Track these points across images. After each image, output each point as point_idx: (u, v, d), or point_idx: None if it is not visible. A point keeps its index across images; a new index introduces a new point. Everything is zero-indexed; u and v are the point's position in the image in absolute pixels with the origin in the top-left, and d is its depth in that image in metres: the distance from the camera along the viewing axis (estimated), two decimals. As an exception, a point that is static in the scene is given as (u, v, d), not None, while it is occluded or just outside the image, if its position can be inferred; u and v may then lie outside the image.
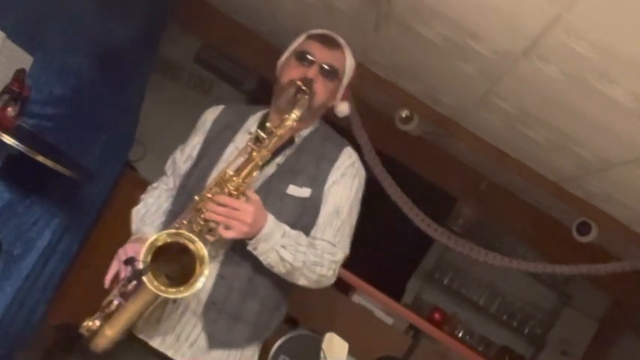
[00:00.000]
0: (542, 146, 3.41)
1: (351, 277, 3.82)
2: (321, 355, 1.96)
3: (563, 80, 2.51)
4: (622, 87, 2.29)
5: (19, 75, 2.86)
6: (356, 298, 4.11)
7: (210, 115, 2.28)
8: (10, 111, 2.81)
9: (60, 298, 3.83)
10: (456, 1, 2.46)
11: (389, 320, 4.12)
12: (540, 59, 2.46)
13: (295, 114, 1.93)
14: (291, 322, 3.71)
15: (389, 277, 5.04)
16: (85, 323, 1.87)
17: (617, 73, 2.24)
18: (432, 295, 6.12)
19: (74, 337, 1.94)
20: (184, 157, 2.20)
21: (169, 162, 2.27)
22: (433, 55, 3.11)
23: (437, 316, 5.17)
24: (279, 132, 1.91)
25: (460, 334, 5.75)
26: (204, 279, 1.77)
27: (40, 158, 2.68)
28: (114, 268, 1.97)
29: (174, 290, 1.76)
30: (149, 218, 2.13)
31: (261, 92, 5.41)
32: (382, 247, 5.18)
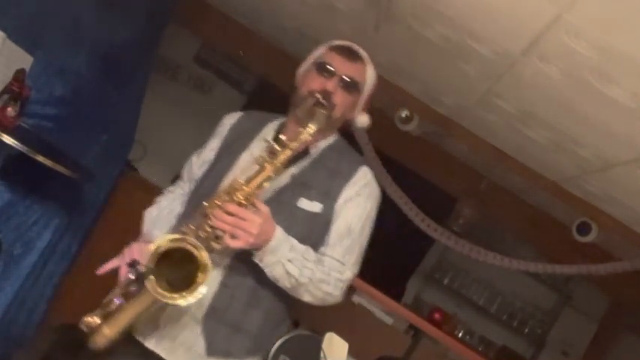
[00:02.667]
0: (542, 146, 3.41)
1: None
2: (321, 355, 1.95)
3: (563, 80, 2.51)
4: (622, 87, 2.29)
5: (19, 75, 2.86)
6: (356, 298, 4.11)
7: (228, 121, 2.25)
8: (10, 111, 2.81)
9: (60, 298, 3.83)
10: (456, 1, 2.46)
11: (389, 320, 4.12)
12: (540, 59, 2.46)
13: (311, 128, 1.90)
14: (292, 322, 3.72)
15: (389, 277, 5.04)
16: (84, 318, 1.87)
17: (617, 73, 2.24)
18: (432, 295, 6.12)
19: (74, 337, 1.93)
20: (200, 161, 2.19)
21: (186, 166, 2.25)
22: (433, 55, 3.11)
23: (437, 316, 5.16)
24: (293, 145, 1.88)
25: (460, 334, 5.75)
26: (205, 289, 1.75)
27: (40, 158, 2.68)
28: (114, 262, 1.96)
29: (174, 296, 1.74)
30: (160, 221, 2.12)
31: (261, 92, 5.42)
32: (382, 247, 5.18)
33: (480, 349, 5.73)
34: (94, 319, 1.86)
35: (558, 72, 2.47)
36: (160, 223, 2.11)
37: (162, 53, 4.71)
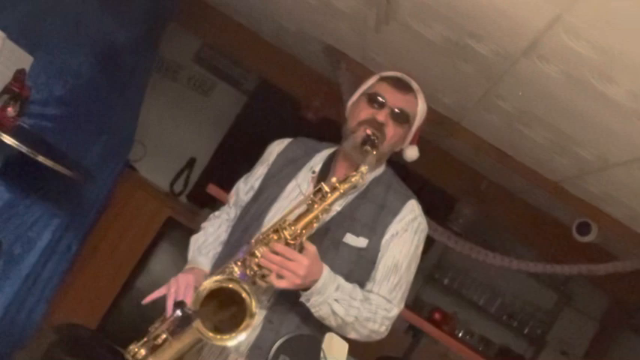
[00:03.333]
0: (542, 146, 3.41)
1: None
2: (321, 355, 1.95)
3: (563, 80, 2.50)
4: (622, 87, 2.29)
5: (19, 75, 2.87)
6: (356, 298, 4.10)
7: (276, 148, 2.20)
8: (10, 111, 2.81)
9: (60, 298, 3.83)
10: (456, 1, 2.46)
11: (389, 320, 4.11)
12: (540, 59, 2.46)
13: (362, 171, 1.89)
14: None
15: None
16: (130, 347, 1.86)
17: (617, 73, 2.23)
18: (432, 295, 6.12)
19: (74, 338, 1.94)
20: (247, 187, 2.17)
21: (232, 191, 2.23)
22: (433, 55, 3.11)
23: (437, 316, 5.16)
24: (343, 187, 1.87)
25: (460, 334, 5.75)
26: (248, 333, 1.75)
27: (40, 158, 2.68)
28: (161, 291, 1.95)
29: (219, 337, 1.75)
30: (205, 248, 2.11)
31: (261, 92, 5.42)
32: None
33: (480, 349, 5.73)
34: (140, 351, 1.85)
35: (558, 72, 2.47)
36: (206, 250, 2.11)
37: (162, 53, 4.71)
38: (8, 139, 2.59)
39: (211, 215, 2.25)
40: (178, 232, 3.91)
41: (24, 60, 2.98)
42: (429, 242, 5.51)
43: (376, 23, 3.16)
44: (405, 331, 4.32)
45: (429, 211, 4.17)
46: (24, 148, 2.63)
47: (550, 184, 3.95)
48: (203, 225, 2.22)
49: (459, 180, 4.99)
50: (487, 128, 3.82)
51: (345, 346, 2.02)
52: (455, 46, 2.84)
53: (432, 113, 4.04)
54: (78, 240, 3.74)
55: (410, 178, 4.72)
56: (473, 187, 4.88)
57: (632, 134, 2.61)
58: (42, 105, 3.15)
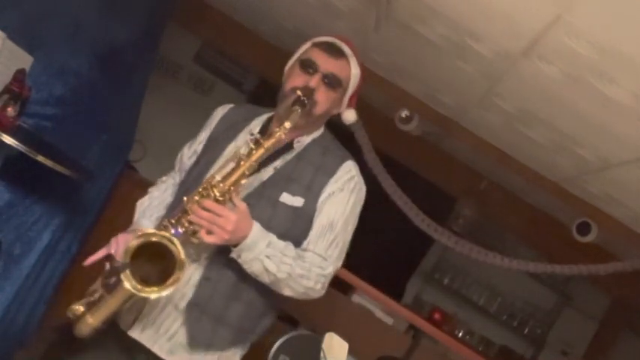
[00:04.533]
0: (542, 146, 3.41)
1: (351, 277, 3.82)
2: (321, 355, 1.95)
3: (563, 80, 2.50)
4: (622, 87, 2.29)
5: (19, 75, 2.86)
6: (356, 298, 4.11)
7: (219, 113, 2.29)
8: (10, 111, 2.81)
9: (60, 298, 3.83)
10: (456, 1, 2.46)
11: (389, 320, 4.12)
12: (540, 59, 2.46)
13: (285, 126, 1.92)
14: (291, 322, 3.72)
15: (389, 277, 5.04)
16: (71, 306, 1.92)
17: (617, 73, 2.24)
18: (432, 295, 6.12)
19: (74, 337, 1.96)
20: (190, 152, 2.22)
21: (178, 157, 2.28)
22: (433, 55, 3.11)
23: (437, 316, 5.16)
24: (267, 144, 1.91)
25: (460, 334, 5.75)
26: (178, 285, 1.79)
27: (40, 158, 2.67)
28: (101, 253, 2.00)
29: (150, 290, 1.79)
30: (149, 211, 2.16)
31: (261, 92, 5.42)
32: (382, 247, 5.19)
33: (480, 349, 5.73)
34: (78, 308, 1.91)
35: (558, 72, 2.47)
36: (149, 212, 2.15)
37: (163, 53, 4.71)
38: (8, 139, 2.58)
39: (158, 180, 2.30)
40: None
41: (24, 60, 2.98)
42: (429, 242, 5.56)
43: (376, 23, 3.16)
44: (405, 331, 4.32)
45: (429, 211, 4.21)
46: (24, 148, 2.63)
47: (550, 184, 3.96)
48: (150, 189, 2.27)
49: (459, 180, 4.99)
50: (487, 128, 3.83)
51: (345, 346, 2.02)
52: (455, 46, 2.84)
53: (432, 113, 4.07)
54: (78, 240, 3.74)
55: (410, 178, 4.74)
56: (473, 187, 4.89)
57: (633, 134, 2.61)
58: (42, 105, 3.15)
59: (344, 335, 2.09)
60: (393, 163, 4.48)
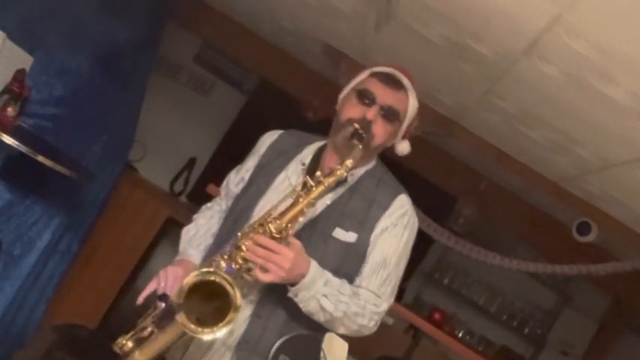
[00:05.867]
0: (542, 146, 3.41)
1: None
2: (321, 355, 1.95)
3: (563, 80, 2.50)
4: (622, 87, 2.29)
5: (19, 75, 2.87)
6: (356, 298, 4.10)
7: (268, 139, 2.18)
8: (10, 111, 2.81)
9: (60, 298, 3.83)
10: (456, 1, 2.46)
11: (389, 320, 4.12)
12: (540, 59, 2.46)
13: (347, 165, 1.86)
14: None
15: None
16: (118, 340, 1.87)
17: (617, 73, 2.23)
18: (432, 295, 6.12)
19: (74, 337, 1.95)
20: (237, 179, 2.16)
21: (224, 183, 2.22)
22: (433, 55, 3.11)
23: (437, 316, 5.16)
24: (328, 181, 1.84)
25: (460, 334, 5.75)
26: (232, 326, 1.75)
27: (40, 158, 2.68)
28: (151, 287, 1.95)
29: (202, 330, 1.75)
30: (196, 240, 2.11)
31: (261, 92, 5.42)
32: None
33: (480, 349, 5.73)
34: (127, 343, 1.87)
35: (558, 72, 2.47)
36: (197, 242, 2.10)
37: (163, 53, 4.71)
38: (8, 139, 2.59)
39: (203, 207, 2.25)
40: (178, 232, 3.89)
41: (24, 60, 2.98)
42: (429, 242, 5.56)
43: (376, 23, 3.16)
44: (405, 331, 4.32)
45: (429, 211, 4.21)
46: (24, 148, 2.63)
47: (550, 184, 3.95)
48: (195, 217, 2.21)
49: (459, 180, 4.99)
50: (487, 128, 3.82)
51: (345, 346, 2.02)
52: (455, 46, 2.84)
53: (432, 113, 4.07)
54: (78, 240, 3.74)
55: (410, 177, 4.74)
56: (473, 187, 4.88)
57: (632, 134, 2.61)
58: (42, 105, 3.16)
59: (344, 335, 2.09)
60: (393, 163, 4.47)
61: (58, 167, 2.79)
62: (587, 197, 3.83)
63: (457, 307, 6.00)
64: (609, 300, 5.74)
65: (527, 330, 6.11)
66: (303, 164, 1.96)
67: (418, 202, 4.15)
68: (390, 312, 4.05)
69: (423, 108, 4.10)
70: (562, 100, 2.71)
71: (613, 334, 5.59)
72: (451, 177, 5.02)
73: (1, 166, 2.95)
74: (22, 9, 3.00)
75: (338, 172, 1.85)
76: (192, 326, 1.75)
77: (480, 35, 2.62)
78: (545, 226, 4.90)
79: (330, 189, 1.89)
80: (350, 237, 1.96)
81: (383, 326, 4.07)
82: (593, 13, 1.98)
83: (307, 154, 2.09)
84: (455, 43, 2.80)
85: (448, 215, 4.95)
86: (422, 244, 5.70)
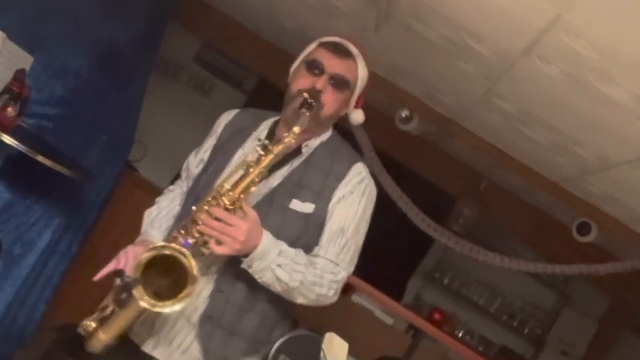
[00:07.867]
0: (542, 146, 3.41)
1: (351, 277, 3.80)
2: (321, 355, 1.95)
3: (563, 80, 2.50)
4: (622, 87, 2.29)
5: (19, 75, 2.87)
6: (356, 298, 4.11)
7: (224, 119, 2.22)
8: (10, 111, 2.81)
9: (60, 298, 3.83)
10: (457, 1, 2.46)
11: (389, 320, 4.13)
12: (540, 59, 2.46)
13: (294, 131, 1.86)
14: (291, 322, 3.72)
15: (389, 277, 5.04)
16: (83, 322, 1.89)
17: (617, 73, 2.24)
18: (432, 295, 6.12)
19: (74, 337, 1.95)
20: (197, 160, 2.17)
21: (184, 165, 2.24)
22: (433, 55, 3.11)
23: (437, 316, 5.16)
24: (276, 149, 1.84)
25: (460, 334, 5.75)
26: (191, 298, 1.75)
27: (40, 158, 2.68)
28: (110, 267, 1.95)
29: (162, 304, 1.75)
30: (158, 221, 2.11)
31: (261, 92, 5.42)
32: (382, 247, 5.18)
33: (480, 349, 5.73)
34: (90, 324, 1.88)
35: (558, 72, 2.47)
36: (158, 223, 2.11)
37: (163, 53, 4.71)
38: (8, 139, 2.59)
39: (166, 190, 2.26)
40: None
41: (24, 60, 2.98)
42: (429, 242, 5.56)
43: (376, 23, 3.16)
44: (405, 331, 4.32)
45: (429, 211, 4.21)
46: (24, 148, 2.63)
47: (550, 184, 3.96)
48: (157, 199, 2.22)
49: (459, 180, 4.99)
50: (487, 128, 3.83)
51: (345, 346, 2.02)
52: (455, 46, 2.84)
53: (432, 113, 4.07)
54: (78, 240, 3.74)
55: (410, 177, 4.75)
56: (473, 187, 4.88)
57: (633, 134, 2.61)
58: (42, 105, 3.15)
59: (344, 335, 2.09)
60: (393, 163, 4.48)
61: (58, 167, 2.79)
62: (587, 197, 3.83)
63: (457, 307, 6.00)
64: (609, 300, 5.74)
65: (527, 330, 6.12)
66: (260, 140, 1.95)
67: (418, 202, 4.19)
68: (390, 312, 4.07)
69: (423, 108, 4.13)
70: (562, 100, 2.71)
71: (613, 334, 5.58)
72: (451, 177, 5.02)
73: (1, 166, 2.95)
74: (22, 9, 3.00)
75: (286, 140, 1.85)
76: (150, 300, 1.75)
77: (480, 35, 2.62)
78: (545, 226, 4.91)
79: (281, 158, 1.91)
80: (307, 208, 1.95)
81: (383, 326, 4.10)
82: (593, 13, 1.98)
83: (263, 130, 2.11)
84: (455, 43, 2.80)
85: (448, 215, 4.95)
86: (422, 244, 5.74)
